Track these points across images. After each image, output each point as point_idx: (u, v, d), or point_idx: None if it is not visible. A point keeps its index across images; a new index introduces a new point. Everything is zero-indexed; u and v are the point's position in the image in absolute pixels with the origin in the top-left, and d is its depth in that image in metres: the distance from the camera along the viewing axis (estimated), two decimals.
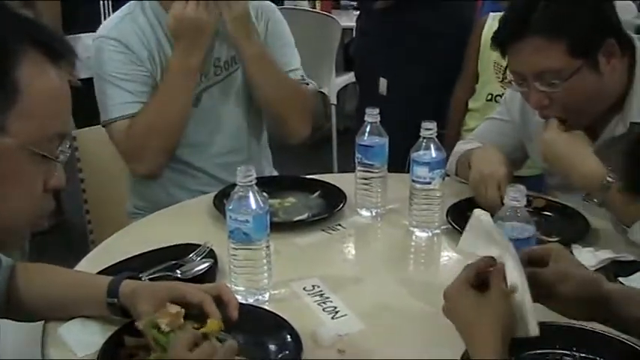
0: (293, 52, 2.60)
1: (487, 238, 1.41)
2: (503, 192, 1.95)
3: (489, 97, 3.19)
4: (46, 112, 1.23)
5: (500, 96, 3.00)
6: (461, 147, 2.40)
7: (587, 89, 1.92)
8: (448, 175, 2.17)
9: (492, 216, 1.51)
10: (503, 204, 1.72)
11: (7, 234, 1.29)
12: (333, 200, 2.21)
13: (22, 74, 1.18)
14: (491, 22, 3.12)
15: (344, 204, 2.17)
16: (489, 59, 3.16)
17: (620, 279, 1.75)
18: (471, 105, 3.27)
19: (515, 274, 1.34)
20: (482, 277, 1.36)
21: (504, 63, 2.89)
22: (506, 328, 1.30)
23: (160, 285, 1.57)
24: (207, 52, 2.39)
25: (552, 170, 2.16)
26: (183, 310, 1.44)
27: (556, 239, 1.96)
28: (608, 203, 1.93)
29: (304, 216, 2.15)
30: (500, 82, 3.06)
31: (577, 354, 1.49)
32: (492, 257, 1.38)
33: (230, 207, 1.67)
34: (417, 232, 2.05)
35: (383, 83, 3.58)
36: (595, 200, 1.94)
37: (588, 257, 1.86)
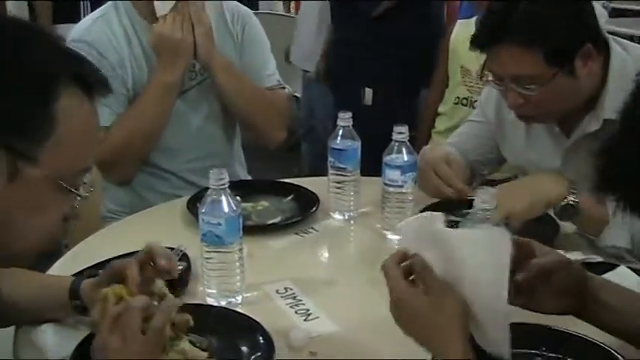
0: (269, 57, 2.61)
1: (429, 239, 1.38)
2: (454, 168, 2.08)
3: (456, 100, 3.23)
4: (78, 147, 1.23)
5: (467, 99, 3.13)
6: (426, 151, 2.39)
7: (562, 93, 1.94)
8: None
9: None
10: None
11: (18, 258, 1.30)
12: (306, 204, 2.22)
13: (60, 108, 1.18)
14: (459, 28, 3.18)
15: (317, 207, 2.19)
16: (457, 64, 3.20)
17: None
18: (439, 109, 3.31)
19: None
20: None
21: (472, 67, 2.96)
22: (464, 326, 1.29)
23: (101, 274, 1.55)
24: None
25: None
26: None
27: None
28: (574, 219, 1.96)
29: (277, 219, 2.16)
30: (479, 79, 3.09)
31: (546, 354, 1.51)
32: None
33: (203, 210, 1.67)
34: (390, 235, 2.06)
35: (368, 93, 3.59)
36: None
37: None
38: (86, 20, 2.45)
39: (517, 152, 2.22)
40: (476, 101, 2.94)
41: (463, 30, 3.13)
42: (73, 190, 1.25)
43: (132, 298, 1.36)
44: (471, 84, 3.17)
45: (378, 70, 3.55)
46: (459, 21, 3.28)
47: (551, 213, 1.98)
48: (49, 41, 1.24)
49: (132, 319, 1.29)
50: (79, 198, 1.29)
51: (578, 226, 1.99)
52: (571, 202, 1.89)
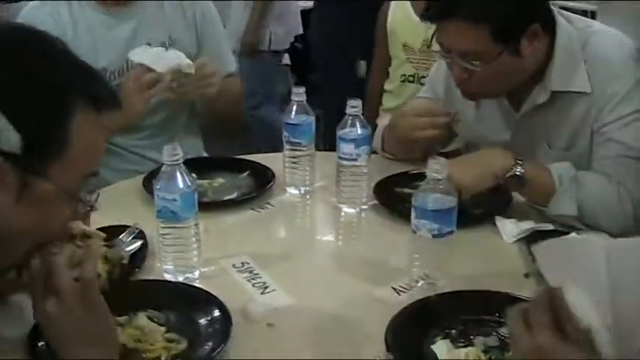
0: (227, 43, 2.64)
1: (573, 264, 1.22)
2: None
3: (403, 77, 3.26)
4: (88, 163, 1.25)
5: (413, 76, 3.19)
6: (383, 122, 2.44)
7: (506, 71, 1.96)
8: (375, 152, 2.20)
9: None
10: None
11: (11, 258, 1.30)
12: (262, 179, 2.23)
13: (73, 126, 1.18)
14: (395, 7, 3.23)
15: (273, 183, 2.20)
16: (399, 42, 3.23)
17: None
18: (386, 87, 3.34)
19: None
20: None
21: (414, 44, 3.04)
22: None
23: None
24: (135, 37, 2.41)
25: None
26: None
27: (480, 211, 2.02)
28: (523, 191, 2.00)
29: (233, 195, 2.16)
30: (422, 55, 3.16)
31: (500, 319, 1.53)
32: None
33: (158, 186, 1.68)
34: (345, 209, 2.08)
35: (362, 66, 3.57)
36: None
37: (511, 228, 1.92)
38: (35, 2, 2.42)
39: (468, 127, 2.24)
40: (423, 77, 3.05)
41: (399, 9, 3.21)
42: (83, 201, 1.28)
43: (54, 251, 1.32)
44: (416, 61, 3.21)
45: (369, 43, 3.50)
46: (392, 2, 3.30)
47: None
48: (68, 58, 1.24)
49: (60, 276, 1.26)
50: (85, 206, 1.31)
51: (526, 196, 2.03)
52: (517, 173, 1.92)
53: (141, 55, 2.28)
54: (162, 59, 2.26)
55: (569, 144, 2.06)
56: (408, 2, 3.19)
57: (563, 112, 2.05)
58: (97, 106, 1.24)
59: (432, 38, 2.04)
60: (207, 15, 2.56)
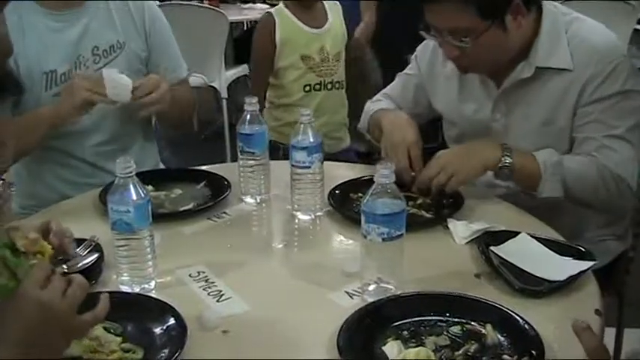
0: (177, 49, 2.64)
1: None
2: (413, 156, 2.15)
3: (308, 88, 3.36)
4: None
5: (319, 84, 3.36)
6: (371, 106, 2.53)
7: (494, 45, 2.06)
8: (327, 159, 2.22)
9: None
10: (412, 168, 2.06)
11: None
12: (219, 189, 2.25)
13: None
14: (280, 23, 3.30)
15: (229, 192, 2.22)
16: (295, 54, 3.32)
17: (492, 248, 1.84)
18: (285, 101, 3.41)
19: None
20: None
21: (312, 53, 3.25)
22: None
23: None
24: (84, 38, 2.42)
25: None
26: (40, 237, 1.47)
27: (431, 215, 2.07)
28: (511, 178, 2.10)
29: (190, 206, 2.18)
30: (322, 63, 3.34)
31: (450, 319, 1.57)
32: None
33: (111, 198, 1.69)
34: (300, 216, 2.11)
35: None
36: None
37: (463, 229, 1.96)
38: None
39: (450, 105, 2.35)
40: (330, 83, 3.35)
41: (286, 23, 3.30)
42: None
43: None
44: (319, 69, 3.32)
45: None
46: (271, 10, 3.38)
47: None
48: None
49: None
50: None
51: (516, 184, 2.13)
52: (506, 164, 2.04)
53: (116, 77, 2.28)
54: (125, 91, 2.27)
55: (547, 119, 2.15)
56: (293, 16, 3.28)
57: (545, 88, 2.14)
58: None
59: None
60: (156, 21, 2.57)
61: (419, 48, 2.48)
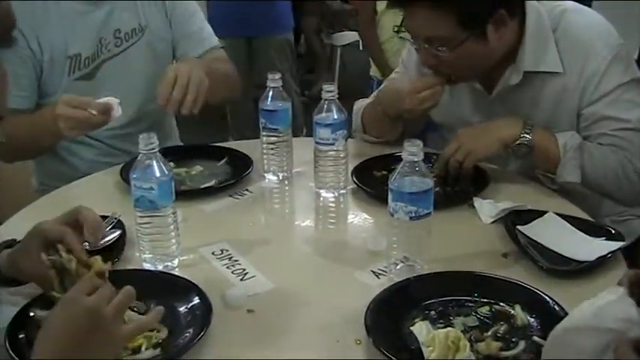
0: (202, 19, 2.61)
1: None
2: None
3: (396, 28, 3.58)
4: None
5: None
6: (360, 104, 2.46)
7: (473, 56, 1.99)
8: (351, 137, 2.20)
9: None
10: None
11: None
12: (240, 166, 2.23)
13: None
14: None
15: (251, 169, 2.20)
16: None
17: (519, 227, 1.82)
18: (382, 38, 3.80)
19: None
20: None
21: None
22: None
23: (25, 240, 1.53)
24: (107, 22, 2.40)
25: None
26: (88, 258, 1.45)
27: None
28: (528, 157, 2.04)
29: (212, 183, 2.16)
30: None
31: (478, 299, 1.55)
32: None
33: (134, 175, 1.67)
34: (324, 193, 2.09)
35: None
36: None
37: (489, 208, 1.93)
38: None
39: (441, 110, 2.24)
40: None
41: None
42: None
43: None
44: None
45: None
46: None
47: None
48: None
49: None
50: None
51: (535, 163, 2.07)
52: (525, 142, 1.99)
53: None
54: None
55: (547, 123, 2.07)
56: None
57: (536, 94, 2.08)
58: None
59: (401, 23, 2.06)
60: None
61: (404, 51, 2.41)
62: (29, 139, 2.23)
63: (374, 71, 3.91)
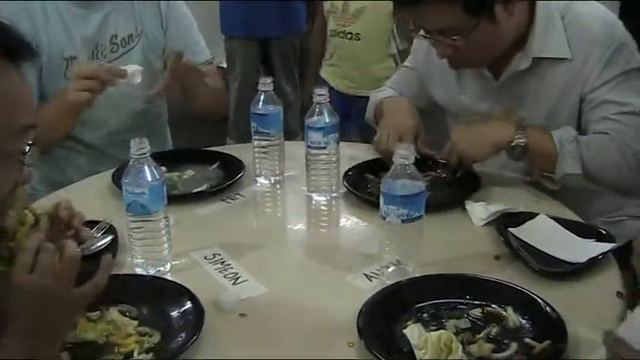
0: (197, 32, 2.62)
1: None
2: (406, 142, 2.03)
3: (329, 32, 3.74)
4: (15, 116, 1.21)
5: (331, 30, 3.73)
6: (376, 96, 2.48)
7: (487, 39, 2.00)
8: (343, 140, 2.19)
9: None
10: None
11: None
12: (232, 170, 2.23)
13: None
14: None
15: (243, 173, 2.20)
16: (329, 2, 3.74)
17: (511, 230, 1.82)
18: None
19: None
20: None
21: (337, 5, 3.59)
22: None
23: None
24: (103, 27, 2.41)
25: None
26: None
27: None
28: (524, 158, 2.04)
29: (203, 187, 2.16)
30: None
31: (470, 302, 1.56)
32: None
33: (126, 180, 1.67)
34: (316, 197, 2.09)
35: None
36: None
37: (481, 211, 1.94)
38: None
39: (449, 97, 2.30)
40: (343, 32, 3.65)
41: None
42: (15, 153, 1.23)
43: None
44: (337, 17, 3.71)
45: None
46: None
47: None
48: None
49: (47, 255, 1.26)
50: (25, 164, 1.27)
51: (532, 163, 2.08)
52: (520, 144, 1.99)
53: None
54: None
55: (551, 111, 2.10)
56: None
57: (545, 79, 2.09)
58: (9, 57, 1.21)
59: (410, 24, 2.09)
60: (173, 5, 2.55)
61: (415, 40, 2.44)
62: (50, 125, 2.22)
63: (323, 72, 3.90)
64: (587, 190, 2.08)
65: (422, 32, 2.07)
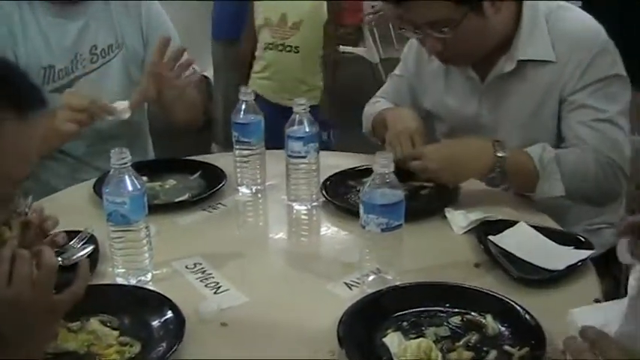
0: (177, 43, 2.62)
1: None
2: (417, 144, 2.11)
3: (265, 46, 3.79)
4: (17, 170, 1.23)
5: (267, 44, 3.77)
6: (371, 108, 2.49)
7: (475, 33, 2.03)
8: (323, 149, 2.20)
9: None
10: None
11: None
12: (214, 180, 2.23)
13: None
14: None
15: (224, 183, 2.20)
16: (262, 16, 3.77)
17: (491, 237, 1.83)
18: (257, 53, 3.84)
19: None
20: None
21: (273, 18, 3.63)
22: None
23: None
24: (82, 37, 2.41)
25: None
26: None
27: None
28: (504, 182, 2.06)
29: (185, 196, 2.16)
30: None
31: (450, 310, 1.57)
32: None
33: (106, 190, 1.68)
34: (296, 206, 2.10)
35: None
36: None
37: (461, 219, 1.95)
38: None
39: (437, 100, 2.33)
40: (283, 45, 3.71)
41: None
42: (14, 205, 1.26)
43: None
44: (275, 30, 3.75)
45: None
46: None
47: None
48: None
49: (23, 265, 1.25)
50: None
51: (511, 186, 2.10)
52: (499, 170, 2.00)
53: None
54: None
55: (534, 112, 2.13)
56: None
57: (529, 82, 2.12)
58: (20, 110, 1.21)
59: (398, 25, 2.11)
60: (153, 15, 2.55)
61: (405, 46, 2.46)
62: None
63: (252, 84, 3.87)
64: (563, 200, 2.10)
65: (411, 28, 2.08)
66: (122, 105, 2.24)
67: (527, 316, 1.49)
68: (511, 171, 2.01)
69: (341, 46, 6.17)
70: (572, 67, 2.06)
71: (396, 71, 2.52)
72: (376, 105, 2.48)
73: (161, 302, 1.60)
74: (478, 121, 2.21)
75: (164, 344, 1.48)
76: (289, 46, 3.72)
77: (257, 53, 3.85)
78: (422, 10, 2.01)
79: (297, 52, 3.73)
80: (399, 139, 2.17)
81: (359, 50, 6.31)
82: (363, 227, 1.63)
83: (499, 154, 2.00)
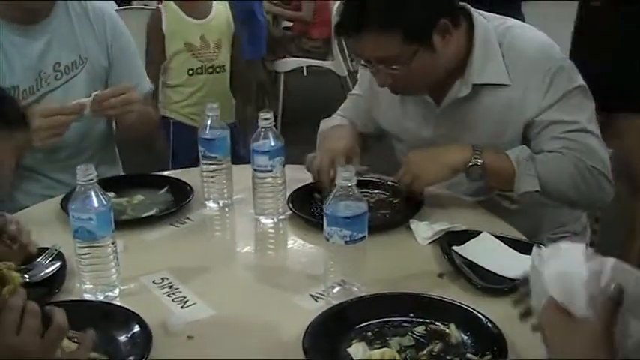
0: (140, 62, 2.64)
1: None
2: (336, 166, 2.08)
3: (191, 72, 3.85)
4: None
5: (201, 68, 3.86)
6: (324, 125, 2.49)
7: (426, 67, 2.03)
8: (290, 163, 2.22)
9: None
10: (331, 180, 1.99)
11: None
12: (181, 195, 2.24)
13: None
14: (164, 12, 3.84)
15: (191, 198, 2.22)
16: (179, 42, 3.82)
17: (454, 248, 1.86)
18: (170, 82, 3.89)
19: None
20: None
21: (194, 41, 3.75)
22: None
23: None
24: (45, 55, 2.41)
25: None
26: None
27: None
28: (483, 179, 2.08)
29: (152, 212, 2.17)
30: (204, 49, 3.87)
31: (414, 319, 1.59)
32: None
33: (73, 206, 1.68)
34: (263, 220, 2.11)
35: None
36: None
37: (425, 229, 1.97)
38: None
39: (395, 122, 2.33)
40: (212, 66, 3.87)
41: (171, 13, 3.84)
42: None
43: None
44: (200, 55, 3.83)
45: None
46: (160, 5, 3.92)
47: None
48: None
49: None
50: None
51: (490, 184, 2.11)
52: (477, 164, 2.03)
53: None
54: None
55: (491, 137, 2.12)
56: (176, 6, 3.82)
57: (485, 105, 2.13)
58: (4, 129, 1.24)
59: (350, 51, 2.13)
60: (117, 32, 2.56)
61: (360, 67, 2.44)
62: None
63: (174, 114, 3.90)
64: (539, 207, 2.14)
65: (362, 61, 2.10)
66: (82, 100, 2.27)
67: (489, 324, 1.52)
68: (489, 165, 2.03)
69: (309, 60, 6.29)
70: (532, 90, 2.07)
71: (354, 90, 2.52)
72: (328, 122, 2.48)
73: (128, 317, 1.61)
74: (435, 144, 2.19)
75: (131, 358, 1.49)
76: (219, 66, 3.88)
77: (171, 82, 3.88)
78: (372, 47, 2.01)
79: (224, 70, 3.93)
80: (320, 156, 2.19)
81: (326, 63, 6.36)
82: (327, 240, 1.65)
83: (477, 149, 2.04)
